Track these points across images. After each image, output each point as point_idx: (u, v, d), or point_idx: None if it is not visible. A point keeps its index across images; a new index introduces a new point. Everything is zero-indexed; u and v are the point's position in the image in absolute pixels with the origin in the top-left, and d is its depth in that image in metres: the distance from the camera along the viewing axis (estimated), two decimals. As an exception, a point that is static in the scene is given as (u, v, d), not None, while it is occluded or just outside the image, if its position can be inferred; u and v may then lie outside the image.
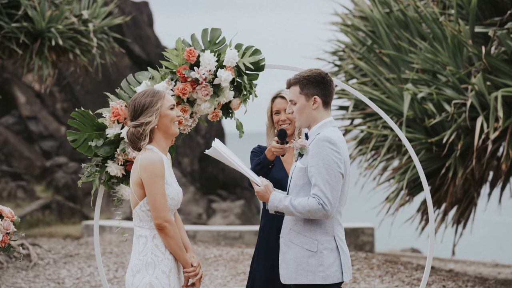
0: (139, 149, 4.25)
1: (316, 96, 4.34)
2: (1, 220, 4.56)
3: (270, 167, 4.90)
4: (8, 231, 4.58)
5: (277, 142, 4.80)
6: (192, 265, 4.27)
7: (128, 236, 5.82)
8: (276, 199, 4.30)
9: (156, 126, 4.23)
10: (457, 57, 8.83)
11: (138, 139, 4.21)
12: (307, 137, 4.43)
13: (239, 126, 4.97)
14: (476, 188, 9.41)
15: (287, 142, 4.80)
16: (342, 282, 4.34)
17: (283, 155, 4.87)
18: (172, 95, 4.78)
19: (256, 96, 4.93)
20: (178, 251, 4.21)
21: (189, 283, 4.30)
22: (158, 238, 4.20)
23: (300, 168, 4.32)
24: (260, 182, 4.39)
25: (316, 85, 4.35)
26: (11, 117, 19.85)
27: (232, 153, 4.47)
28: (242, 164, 4.46)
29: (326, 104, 4.38)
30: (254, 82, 4.92)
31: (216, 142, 4.42)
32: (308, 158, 4.28)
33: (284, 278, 4.38)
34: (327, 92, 4.37)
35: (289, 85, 4.43)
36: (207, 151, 4.45)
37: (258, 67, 4.88)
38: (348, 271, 4.34)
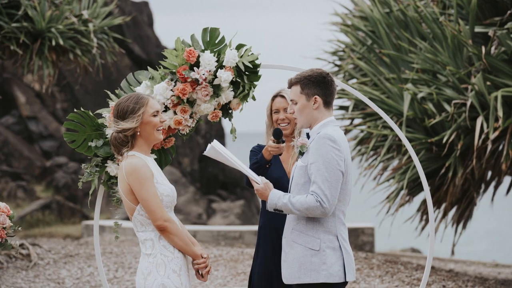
0: (121, 154, 4.25)
1: (316, 96, 4.34)
2: None
3: (267, 166, 4.89)
4: (4, 226, 4.56)
5: (273, 141, 4.79)
6: (202, 257, 4.27)
7: (121, 236, 5.80)
8: (275, 196, 4.30)
9: (138, 133, 4.23)
10: (457, 57, 8.83)
11: (120, 145, 4.22)
12: (308, 137, 4.42)
13: (233, 130, 4.98)
14: (476, 188, 9.41)
15: (283, 141, 4.79)
16: (346, 282, 4.30)
17: (280, 154, 4.86)
18: (172, 96, 4.78)
19: (254, 99, 4.92)
20: (185, 246, 4.21)
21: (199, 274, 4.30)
22: (164, 238, 4.20)
23: (301, 167, 4.31)
24: (259, 180, 4.39)
25: (316, 85, 4.34)
26: (11, 117, 19.84)
27: (230, 153, 4.47)
28: (241, 163, 4.47)
29: (327, 104, 4.37)
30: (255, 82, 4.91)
31: (214, 142, 4.43)
32: (309, 155, 4.27)
33: (287, 279, 4.35)
34: (328, 92, 4.36)
35: (290, 84, 4.42)
36: (205, 152, 4.45)
37: (256, 71, 4.87)
38: (352, 272, 4.30)
